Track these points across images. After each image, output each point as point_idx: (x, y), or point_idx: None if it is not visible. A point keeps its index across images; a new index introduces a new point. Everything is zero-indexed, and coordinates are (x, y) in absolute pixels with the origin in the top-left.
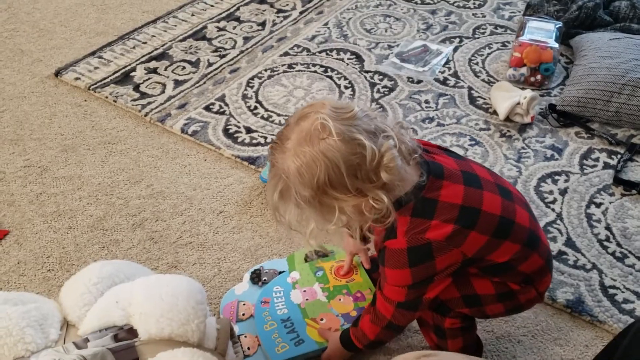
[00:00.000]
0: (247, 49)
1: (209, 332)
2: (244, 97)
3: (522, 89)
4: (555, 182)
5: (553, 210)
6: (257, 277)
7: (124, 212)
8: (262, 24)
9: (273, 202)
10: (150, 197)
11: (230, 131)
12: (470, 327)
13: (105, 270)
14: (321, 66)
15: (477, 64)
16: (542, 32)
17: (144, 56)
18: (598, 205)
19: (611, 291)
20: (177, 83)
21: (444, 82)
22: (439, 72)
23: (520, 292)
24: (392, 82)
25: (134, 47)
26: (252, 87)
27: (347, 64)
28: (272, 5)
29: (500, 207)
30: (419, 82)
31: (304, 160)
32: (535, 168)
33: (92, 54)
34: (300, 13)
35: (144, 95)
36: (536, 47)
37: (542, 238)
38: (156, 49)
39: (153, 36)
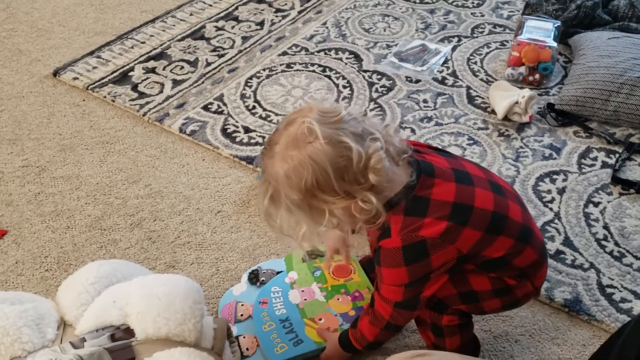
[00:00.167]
0: (245, 48)
1: (206, 331)
2: (243, 96)
3: (521, 88)
4: (553, 181)
5: (551, 209)
6: (255, 278)
7: (122, 212)
8: (261, 24)
9: (264, 207)
10: (148, 196)
11: (229, 131)
12: (467, 324)
13: (103, 270)
14: (319, 66)
15: (475, 63)
16: (541, 31)
17: (142, 56)
18: (596, 204)
19: (609, 290)
20: (176, 83)
21: (442, 81)
22: (438, 71)
23: (517, 287)
24: (391, 81)
25: (132, 47)
26: (250, 87)
27: (346, 64)
28: (270, 5)
29: (493, 203)
30: (418, 81)
31: (292, 164)
32: (533, 167)
33: (91, 53)
34: (299, 12)
35: (142, 95)
36: (535, 46)
37: (536, 231)
38: (154, 49)
39: (151, 36)
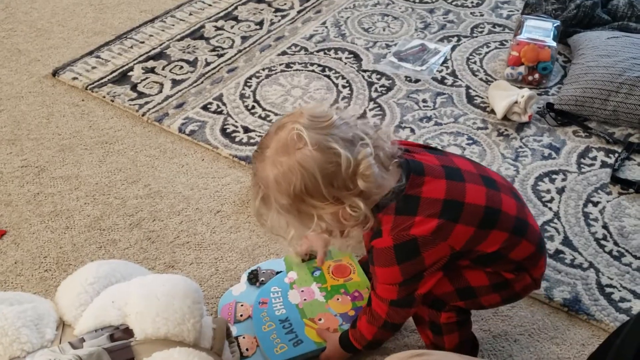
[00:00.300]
0: (244, 48)
1: (205, 331)
2: (242, 96)
3: (520, 87)
4: (552, 181)
5: (550, 209)
6: (254, 278)
7: (121, 212)
8: (260, 23)
9: (256, 209)
10: (147, 196)
11: (228, 130)
12: (465, 322)
13: (102, 270)
14: (319, 65)
15: (475, 62)
16: (540, 30)
17: (141, 56)
18: (595, 204)
19: (608, 290)
20: (175, 82)
21: (441, 81)
22: (437, 71)
23: (515, 281)
24: (390, 81)
25: (131, 47)
26: (249, 87)
27: (345, 63)
28: (269, 5)
29: (485, 198)
30: (417, 81)
31: (281, 170)
32: (532, 167)
33: (90, 53)
34: (298, 12)
35: (141, 94)
36: (534, 46)
37: (531, 223)
38: (154, 49)
39: (151, 36)
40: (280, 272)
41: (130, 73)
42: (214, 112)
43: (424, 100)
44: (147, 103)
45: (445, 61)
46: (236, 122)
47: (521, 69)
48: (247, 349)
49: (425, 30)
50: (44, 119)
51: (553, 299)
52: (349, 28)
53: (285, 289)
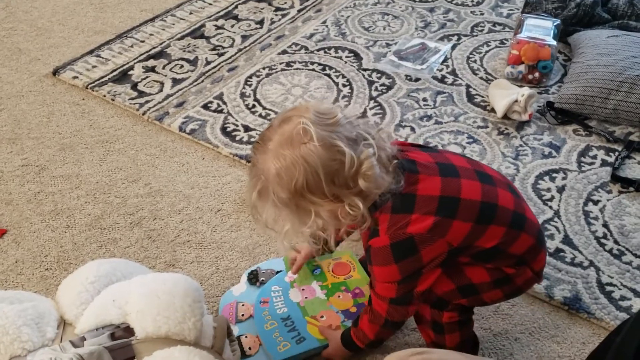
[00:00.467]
0: (245, 47)
1: (205, 330)
2: (242, 95)
3: (520, 86)
4: (552, 179)
5: (550, 207)
6: (254, 278)
7: (122, 211)
8: (260, 22)
9: (252, 201)
10: (148, 195)
11: (228, 129)
12: (467, 321)
13: (103, 269)
14: (319, 64)
15: (475, 61)
16: (540, 29)
17: (142, 55)
18: (595, 202)
19: (608, 288)
20: (175, 81)
21: (442, 80)
22: (437, 70)
23: (516, 275)
24: (390, 80)
25: (132, 46)
26: (250, 86)
27: (345, 62)
28: (270, 4)
29: (480, 193)
30: (417, 80)
31: (284, 163)
32: (532, 166)
33: (90, 52)
34: (299, 11)
35: (141, 93)
36: (534, 45)
37: (530, 216)
38: (154, 48)
39: (151, 34)
40: (280, 271)
41: (130, 72)
42: (214, 111)
43: (424, 99)
44: (147, 102)
45: (445, 60)
46: (237, 120)
47: (521, 67)
48: (249, 348)
49: (426, 29)
50: (45, 118)
51: (553, 298)
52: (349, 27)
53: (286, 288)
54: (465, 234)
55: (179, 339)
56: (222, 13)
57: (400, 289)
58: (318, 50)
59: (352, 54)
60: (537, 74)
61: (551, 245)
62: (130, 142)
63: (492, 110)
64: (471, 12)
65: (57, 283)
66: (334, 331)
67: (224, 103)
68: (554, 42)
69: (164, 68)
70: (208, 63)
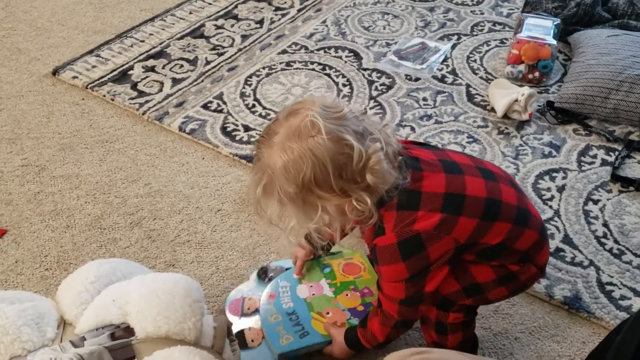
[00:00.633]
0: (245, 47)
1: (206, 330)
2: (242, 95)
3: (520, 86)
4: (552, 179)
5: (551, 207)
6: (263, 274)
7: (122, 211)
8: (260, 22)
9: (256, 196)
10: (148, 195)
11: (228, 129)
12: (471, 321)
13: (103, 269)
14: (319, 64)
15: (475, 61)
16: (540, 29)
17: (141, 54)
18: (596, 202)
19: (608, 288)
20: (175, 81)
21: (442, 79)
22: (437, 69)
23: (520, 272)
24: (390, 79)
25: (131, 46)
26: (250, 85)
27: (345, 62)
28: (270, 3)
29: (485, 189)
30: (417, 79)
31: (291, 157)
32: (533, 165)
33: (90, 52)
34: (298, 11)
35: (141, 93)
36: (534, 44)
37: (533, 212)
38: (154, 47)
39: (151, 34)
40: (290, 268)
41: (130, 72)
42: (214, 111)
43: (424, 99)
44: (147, 102)
45: (445, 59)
46: (236, 120)
47: (521, 67)
48: (252, 340)
49: (426, 28)
50: (44, 118)
51: (553, 297)
52: (349, 26)
53: (294, 284)
54: (471, 230)
55: (179, 339)
56: (221, 13)
57: (408, 287)
58: (318, 49)
59: (352, 54)
60: (537, 74)
61: (551, 244)
62: (130, 142)
63: (492, 109)
64: (471, 11)
65: (57, 283)
66: (339, 328)
67: (224, 103)
68: (554, 42)
69: (163, 68)
70: (208, 63)
